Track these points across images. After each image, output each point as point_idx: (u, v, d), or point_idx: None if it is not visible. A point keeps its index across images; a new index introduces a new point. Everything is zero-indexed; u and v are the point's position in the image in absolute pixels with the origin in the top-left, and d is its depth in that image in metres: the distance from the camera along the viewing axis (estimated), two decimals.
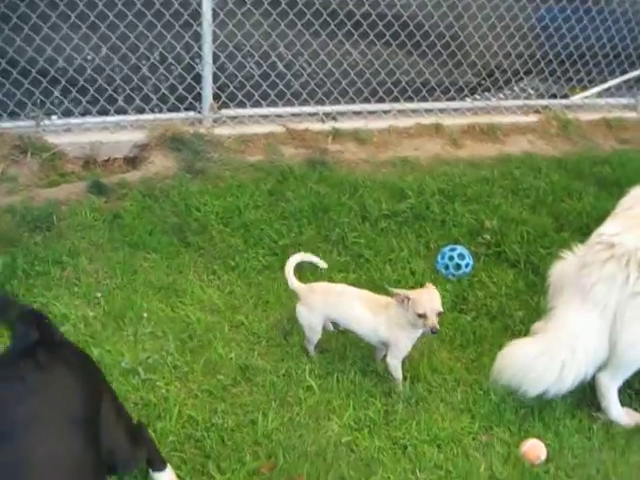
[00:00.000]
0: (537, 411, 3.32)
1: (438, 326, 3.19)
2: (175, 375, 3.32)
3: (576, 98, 6.42)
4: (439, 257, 4.23)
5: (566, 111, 6.28)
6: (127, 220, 4.37)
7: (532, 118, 6.21)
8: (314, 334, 3.51)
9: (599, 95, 6.53)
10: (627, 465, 3.09)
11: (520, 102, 6.27)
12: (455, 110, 6.10)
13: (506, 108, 6.22)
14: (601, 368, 3.23)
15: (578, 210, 4.84)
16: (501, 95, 6.38)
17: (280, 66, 5.55)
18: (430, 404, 3.34)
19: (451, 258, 4.18)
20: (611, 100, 6.51)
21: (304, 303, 3.49)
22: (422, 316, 3.17)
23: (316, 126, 5.63)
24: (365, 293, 3.50)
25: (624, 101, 6.52)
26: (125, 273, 3.96)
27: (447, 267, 4.17)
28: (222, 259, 4.17)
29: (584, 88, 6.49)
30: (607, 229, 3.25)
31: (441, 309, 3.20)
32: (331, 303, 3.46)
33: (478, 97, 6.29)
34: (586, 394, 3.38)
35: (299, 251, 3.78)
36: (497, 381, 3.31)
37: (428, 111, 6.01)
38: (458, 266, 4.16)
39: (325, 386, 3.37)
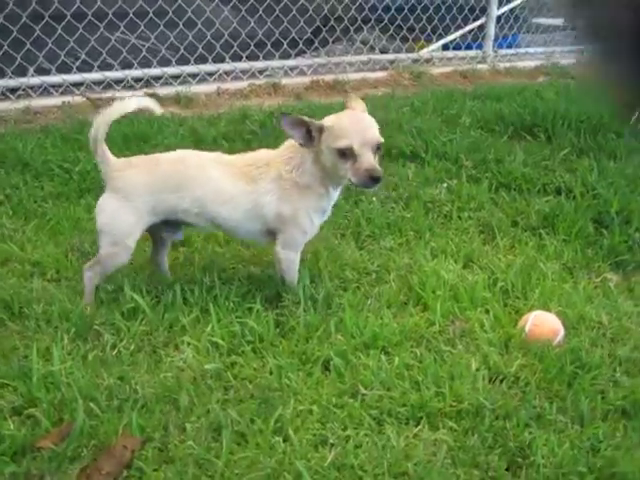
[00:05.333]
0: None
1: (380, 170, 1.93)
2: None
3: (424, 52, 5.66)
4: None
5: (416, 66, 5.47)
6: None
7: (380, 74, 5.32)
8: (122, 251, 2.05)
9: (445, 48, 5.82)
10: None
11: (365, 57, 5.38)
12: (292, 69, 5.07)
13: (350, 64, 5.29)
14: None
15: None
16: (340, 48, 5.47)
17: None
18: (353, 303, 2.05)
19: None
20: (460, 53, 5.81)
21: (114, 188, 2.05)
22: (346, 154, 1.92)
23: (128, 94, 4.34)
24: (224, 156, 2.14)
25: (472, 53, 5.84)
26: None
27: None
28: None
29: (428, 42, 5.76)
30: None
31: (380, 139, 1.96)
32: (168, 184, 2.04)
33: (316, 53, 5.33)
34: None
35: None
36: None
37: (262, 71, 4.94)
38: None
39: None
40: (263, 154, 2.10)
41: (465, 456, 1.57)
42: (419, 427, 1.65)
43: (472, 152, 3.28)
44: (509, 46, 6.21)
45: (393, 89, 4.98)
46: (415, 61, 5.56)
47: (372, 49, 5.65)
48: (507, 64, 5.88)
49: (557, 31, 7.10)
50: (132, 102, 2.06)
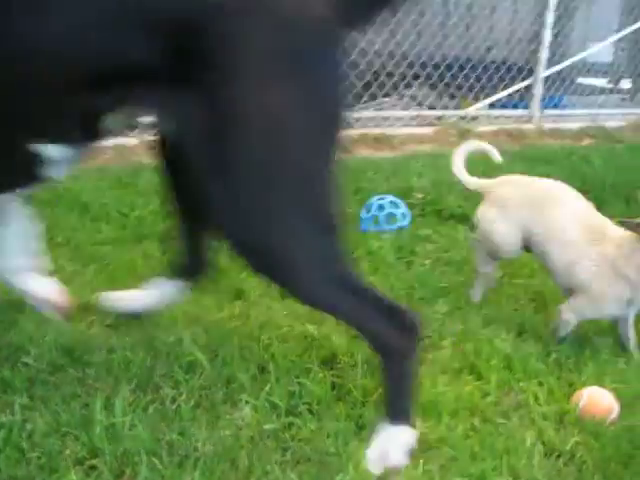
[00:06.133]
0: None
1: None
2: None
3: (470, 110, 5.73)
4: (363, 212, 3.08)
5: (462, 123, 5.55)
6: None
7: (427, 130, 5.41)
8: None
9: (491, 107, 5.89)
10: None
11: (413, 112, 5.47)
12: None
13: (397, 119, 5.38)
14: None
15: None
16: (386, 103, 5.57)
17: None
18: None
19: (381, 208, 3.03)
20: (506, 112, 5.88)
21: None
22: None
23: None
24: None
25: (518, 112, 5.91)
26: None
27: (377, 221, 3.01)
28: None
29: (475, 100, 5.84)
30: None
31: None
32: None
33: (365, 107, 5.43)
34: None
35: None
36: None
37: None
38: (392, 219, 3.01)
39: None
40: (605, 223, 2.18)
41: None
42: None
43: None
44: (555, 106, 6.26)
45: (440, 146, 5.04)
46: (462, 118, 5.64)
47: (420, 105, 5.74)
48: (552, 125, 5.94)
49: (603, 93, 7.17)
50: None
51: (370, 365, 2.07)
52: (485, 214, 2.34)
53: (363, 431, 1.84)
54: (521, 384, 2.07)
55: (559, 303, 2.53)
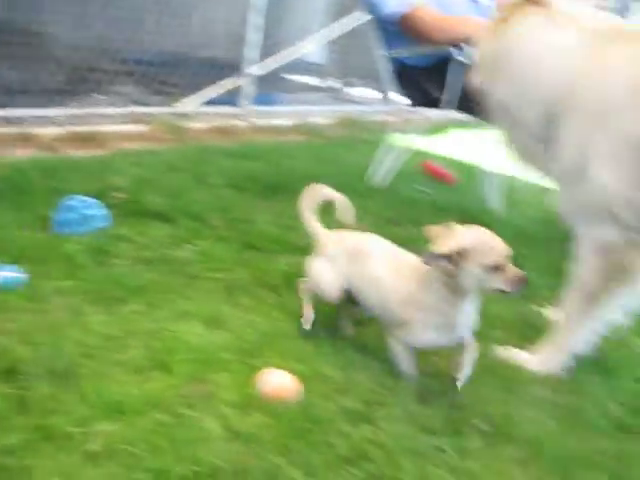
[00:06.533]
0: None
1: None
2: None
3: (182, 107, 5.77)
4: (57, 214, 2.98)
5: (175, 120, 5.56)
6: None
7: (139, 127, 5.34)
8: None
9: (204, 104, 5.98)
10: None
11: (122, 110, 5.36)
12: (40, 117, 4.90)
13: (107, 116, 5.24)
14: None
15: None
16: (97, 100, 5.41)
17: None
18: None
19: (72, 209, 2.95)
20: (218, 109, 6.00)
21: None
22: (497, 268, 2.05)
23: None
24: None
25: (230, 110, 6.06)
26: None
27: (69, 223, 2.93)
28: None
29: (187, 97, 5.88)
30: None
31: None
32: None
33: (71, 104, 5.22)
34: None
35: None
36: None
37: (10, 120, 4.73)
38: (85, 220, 2.94)
39: None
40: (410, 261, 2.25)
41: None
42: None
43: (223, 212, 3.41)
44: (266, 103, 6.52)
45: (151, 144, 5.01)
46: (174, 116, 5.65)
47: (132, 102, 5.65)
48: (263, 121, 6.17)
49: (313, 91, 7.63)
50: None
51: (54, 373, 2.02)
52: (313, 264, 2.44)
53: (51, 439, 1.79)
54: (209, 375, 2.14)
55: (252, 295, 2.68)
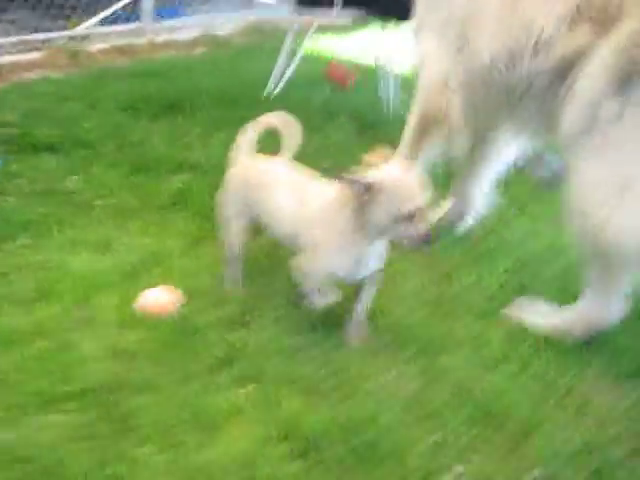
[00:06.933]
0: None
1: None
2: None
3: (79, 29, 5.62)
4: None
5: (74, 44, 5.44)
6: None
7: (34, 55, 5.21)
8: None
9: (101, 24, 5.83)
10: None
11: (14, 38, 5.21)
12: None
13: None
14: None
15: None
16: None
17: None
18: None
19: None
20: (117, 27, 5.86)
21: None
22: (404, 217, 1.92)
23: None
24: None
25: (130, 27, 5.93)
26: None
27: None
28: None
29: (84, 18, 5.72)
30: None
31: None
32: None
33: None
34: None
35: None
36: None
37: None
38: None
39: None
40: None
41: (81, 432, 1.78)
42: (41, 414, 1.82)
43: (114, 137, 3.44)
44: (168, 17, 6.38)
45: (49, 71, 4.92)
46: (73, 40, 5.52)
47: (23, 29, 5.49)
48: (166, 36, 6.06)
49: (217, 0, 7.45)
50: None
51: None
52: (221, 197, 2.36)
53: None
54: (93, 300, 2.26)
55: (141, 217, 2.77)
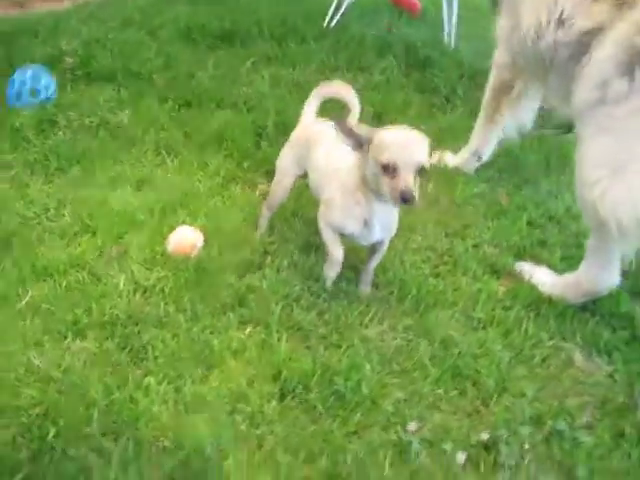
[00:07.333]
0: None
1: (412, 192, 1.99)
2: None
3: None
4: (9, 88, 3.25)
5: None
6: None
7: None
8: None
9: None
10: None
11: None
12: None
13: None
14: None
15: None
16: None
17: None
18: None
19: (23, 83, 3.22)
20: None
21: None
22: (387, 169, 2.02)
23: None
24: None
25: None
26: None
27: (20, 96, 3.21)
28: None
29: None
30: None
31: (422, 161, 2.02)
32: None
33: None
34: None
35: None
36: None
37: None
38: (35, 92, 3.22)
39: None
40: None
41: (102, 358, 2.07)
42: (69, 340, 2.12)
43: (167, 69, 3.63)
44: None
45: None
46: None
47: None
48: None
49: None
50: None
51: None
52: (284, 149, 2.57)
53: None
54: (128, 236, 2.52)
55: (180, 154, 2.98)
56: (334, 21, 4.39)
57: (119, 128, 3.15)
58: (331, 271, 2.33)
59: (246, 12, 4.47)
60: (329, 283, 2.35)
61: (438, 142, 3.23)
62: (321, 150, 2.39)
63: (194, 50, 3.93)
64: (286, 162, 2.54)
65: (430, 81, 3.85)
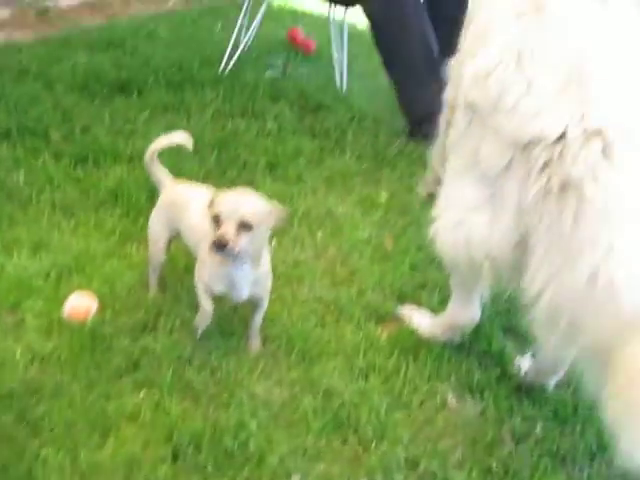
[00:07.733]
0: None
1: (226, 240, 2.14)
2: None
3: None
4: None
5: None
6: None
7: (4, 13, 5.38)
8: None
9: None
10: None
11: None
12: None
13: None
14: None
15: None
16: None
17: None
18: None
19: None
20: None
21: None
22: (215, 221, 2.19)
23: None
24: None
25: None
26: None
27: None
28: None
29: None
30: None
31: (248, 219, 2.17)
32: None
33: None
34: None
35: None
36: None
37: None
38: None
39: None
40: None
41: (2, 432, 2.13)
42: None
43: (63, 123, 3.69)
44: None
45: (15, 32, 5.09)
46: None
47: None
48: None
49: None
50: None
51: None
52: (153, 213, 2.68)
53: None
54: (24, 303, 2.58)
55: (76, 215, 3.05)
56: (230, 65, 4.53)
57: (13, 189, 3.19)
58: (202, 323, 2.48)
59: (143, 58, 4.57)
60: (198, 334, 2.49)
61: (328, 187, 3.45)
62: (192, 210, 2.50)
63: (91, 102, 4.00)
64: (157, 226, 2.65)
65: (321, 125, 4.03)
